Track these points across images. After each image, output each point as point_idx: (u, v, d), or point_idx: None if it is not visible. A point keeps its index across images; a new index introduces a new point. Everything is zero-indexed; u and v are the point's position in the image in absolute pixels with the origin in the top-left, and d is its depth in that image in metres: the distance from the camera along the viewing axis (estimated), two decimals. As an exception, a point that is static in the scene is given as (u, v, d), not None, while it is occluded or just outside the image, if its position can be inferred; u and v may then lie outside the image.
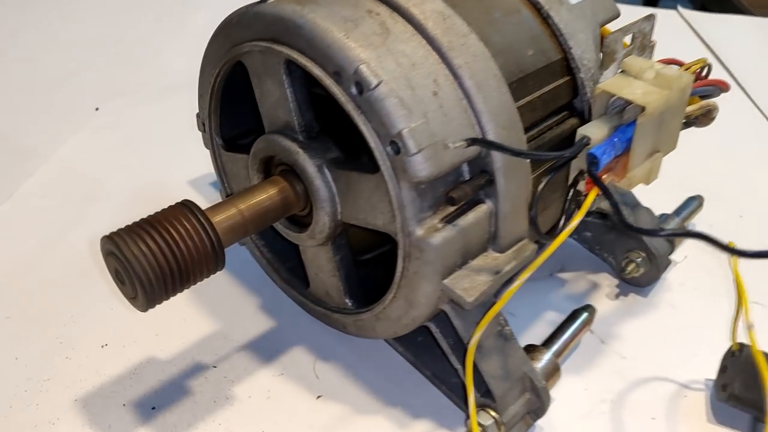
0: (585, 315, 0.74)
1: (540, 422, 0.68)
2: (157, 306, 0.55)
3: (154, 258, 0.53)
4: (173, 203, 0.57)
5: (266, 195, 0.62)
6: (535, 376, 0.66)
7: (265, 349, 0.74)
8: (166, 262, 0.53)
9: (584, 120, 0.66)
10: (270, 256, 0.76)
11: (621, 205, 0.80)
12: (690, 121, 0.65)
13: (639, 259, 0.82)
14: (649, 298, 0.84)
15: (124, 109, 1.19)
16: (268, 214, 0.62)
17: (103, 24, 1.51)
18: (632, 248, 0.83)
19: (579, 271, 0.88)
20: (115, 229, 0.54)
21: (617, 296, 0.84)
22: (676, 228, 0.84)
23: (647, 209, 0.84)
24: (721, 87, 0.65)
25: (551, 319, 0.80)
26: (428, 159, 0.53)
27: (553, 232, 0.70)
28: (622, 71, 0.59)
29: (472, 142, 0.51)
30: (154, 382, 0.70)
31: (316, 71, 0.55)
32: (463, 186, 0.56)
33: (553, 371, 0.68)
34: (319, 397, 0.70)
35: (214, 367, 0.72)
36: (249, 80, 0.71)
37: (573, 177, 0.59)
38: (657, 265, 0.82)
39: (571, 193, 0.59)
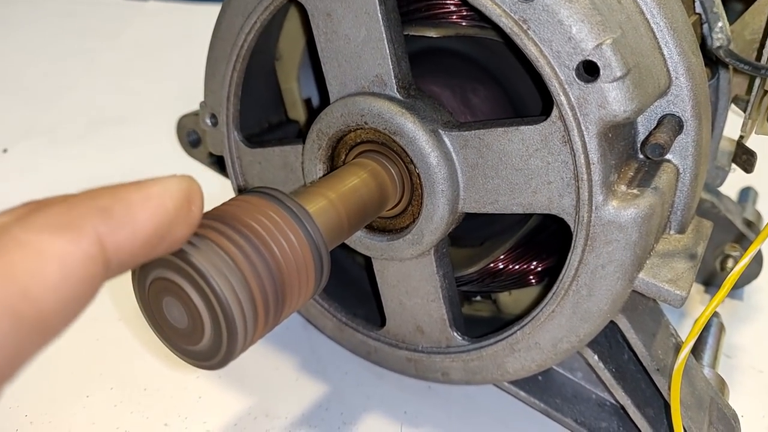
0: (716, 320, 0.60)
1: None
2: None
3: (241, 272, 0.31)
4: (245, 192, 0.36)
5: (360, 180, 0.42)
6: (722, 401, 0.49)
7: (330, 424, 0.52)
8: (258, 277, 0.32)
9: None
10: (321, 296, 0.55)
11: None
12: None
13: (736, 253, 0.69)
14: (746, 302, 0.72)
15: (37, 151, 0.93)
16: (366, 207, 0.41)
17: (2, 64, 1.24)
18: (723, 242, 0.69)
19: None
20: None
21: (713, 303, 0.70)
22: None
23: (727, 196, 0.72)
24: None
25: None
26: (636, 86, 0.36)
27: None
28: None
29: (728, 52, 0.35)
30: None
31: (449, -23, 0.38)
32: (659, 132, 0.40)
33: (722, 388, 0.52)
34: (425, 476, 0.49)
35: (265, 458, 0.49)
36: (259, 59, 0.52)
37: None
38: (757, 259, 0.69)
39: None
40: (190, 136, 0.66)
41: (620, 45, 0.36)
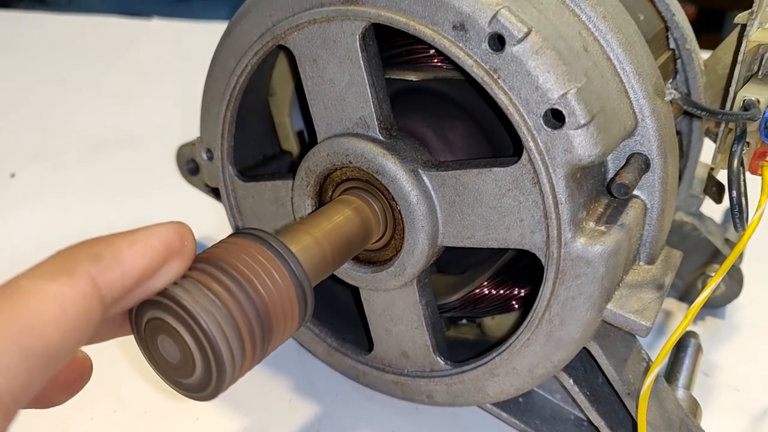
0: (693, 341, 0.62)
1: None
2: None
3: (227, 309, 0.34)
4: (233, 234, 0.38)
5: (343, 217, 0.44)
6: (692, 423, 0.51)
7: (319, 444, 0.55)
8: (244, 314, 0.34)
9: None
10: (312, 323, 0.57)
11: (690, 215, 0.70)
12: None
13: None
14: (728, 321, 0.74)
15: (44, 176, 0.96)
16: (350, 244, 0.44)
17: (8, 88, 1.27)
18: (705, 263, 0.72)
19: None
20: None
21: (695, 322, 0.73)
22: None
23: (710, 218, 0.74)
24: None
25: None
26: (600, 131, 0.39)
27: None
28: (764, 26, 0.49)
29: (686, 100, 0.37)
30: None
31: (424, 29, 0.40)
32: (625, 172, 0.42)
33: (694, 409, 0.55)
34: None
35: (258, 478, 0.51)
36: (253, 95, 0.55)
37: (738, 154, 0.46)
38: (737, 279, 0.71)
39: (742, 175, 0.46)
40: (189, 165, 0.69)
41: (585, 93, 0.39)
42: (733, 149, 0.42)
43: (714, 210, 0.76)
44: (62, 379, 0.34)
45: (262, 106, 0.59)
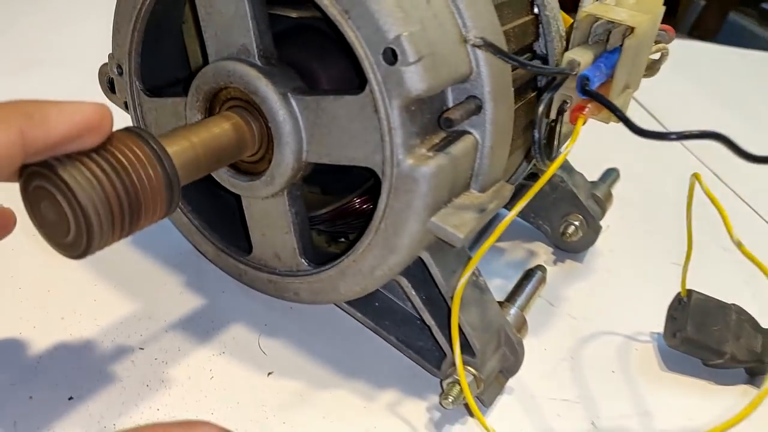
0: (539, 273, 0.72)
1: (510, 383, 0.63)
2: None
3: (101, 187, 0.42)
4: (119, 129, 0.46)
5: (221, 129, 0.52)
6: (510, 329, 0.61)
7: (199, 328, 0.63)
8: (115, 192, 0.42)
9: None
10: (200, 223, 0.65)
11: (562, 172, 0.79)
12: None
13: (577, 223, 0.81)
14: (585, 264, 0.84)
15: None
16: (223, 152, 0.52)
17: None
18: (569, 212, 0.82)
19: (514, 240, 0.86)
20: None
21: (555, 263, 0.84)
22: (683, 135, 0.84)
23: (580, 174, 0.84)
24: (669, 33, 0.66)
25: (497, 285, 0.77)
26: (427, 70, 0.47)
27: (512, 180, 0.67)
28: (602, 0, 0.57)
29: (490, 46, 0.46)
30: (66, 370, 0.56)
31: (292, -28, 0.48)
32: (455, 109, 0.51)
33: (521, 325, 0.65)
34: (270, 373, 0.60)
35: (141, 349, 0.60)
36: (167, 20, 0.62)
37: (557, 107, 0.55)
38: (594, 228, 0.82)
39: (559, 121, 0.55)
40: (110, 83, 0.75)
41: (416, 37, 0.47)
42: (541, 97, 0.51)
43: (592, 169, 0.87)
44: None
45: (176, 31, 0.66)
